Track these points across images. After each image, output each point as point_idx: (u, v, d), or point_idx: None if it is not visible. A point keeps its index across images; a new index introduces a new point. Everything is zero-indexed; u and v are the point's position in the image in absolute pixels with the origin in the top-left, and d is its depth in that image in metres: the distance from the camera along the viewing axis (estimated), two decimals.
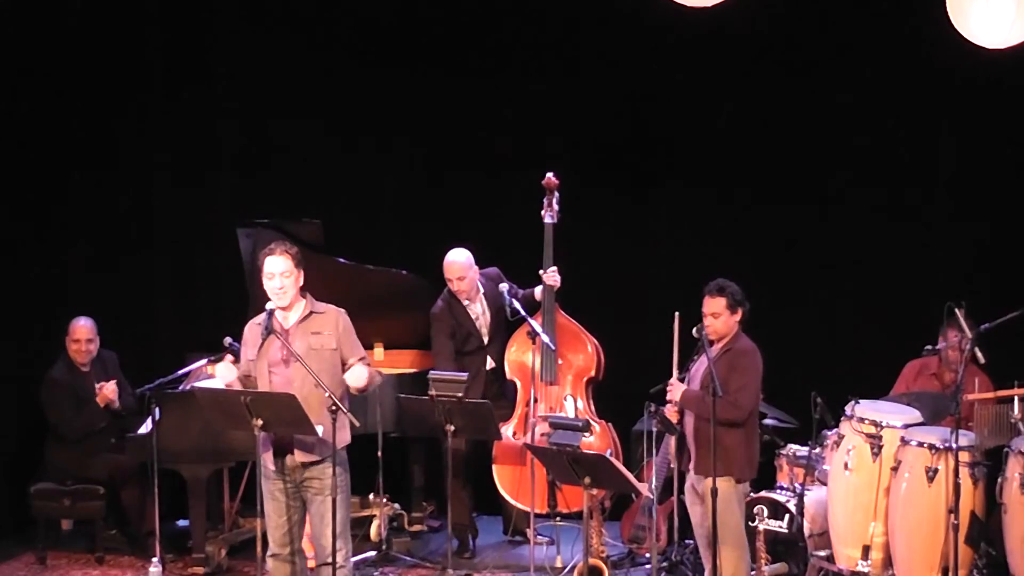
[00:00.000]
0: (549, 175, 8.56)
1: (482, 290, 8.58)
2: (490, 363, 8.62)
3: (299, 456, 6.77)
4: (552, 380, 8.48)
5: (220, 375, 6.97)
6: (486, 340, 8.57)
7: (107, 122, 9.42)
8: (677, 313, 7.14)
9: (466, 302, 8.55)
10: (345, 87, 9.39)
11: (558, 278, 8.50)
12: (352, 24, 9.37)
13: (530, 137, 9.31)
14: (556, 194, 8.55)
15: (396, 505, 8.78)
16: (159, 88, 9.48)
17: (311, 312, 6.86)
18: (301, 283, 6.85)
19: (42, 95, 9.19)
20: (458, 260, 8.49)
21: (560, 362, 8.52)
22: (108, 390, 8.52)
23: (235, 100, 9.49)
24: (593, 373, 8.57)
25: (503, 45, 9.25)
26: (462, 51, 9.28)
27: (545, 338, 8.31)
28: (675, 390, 7.14)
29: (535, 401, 8.36)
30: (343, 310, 6.92)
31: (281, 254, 6.78)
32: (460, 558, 8.45)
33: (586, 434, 7.73)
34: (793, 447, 8.01)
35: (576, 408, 8.48)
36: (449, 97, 9.35)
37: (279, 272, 6.77)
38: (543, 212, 8.52)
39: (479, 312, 8.58)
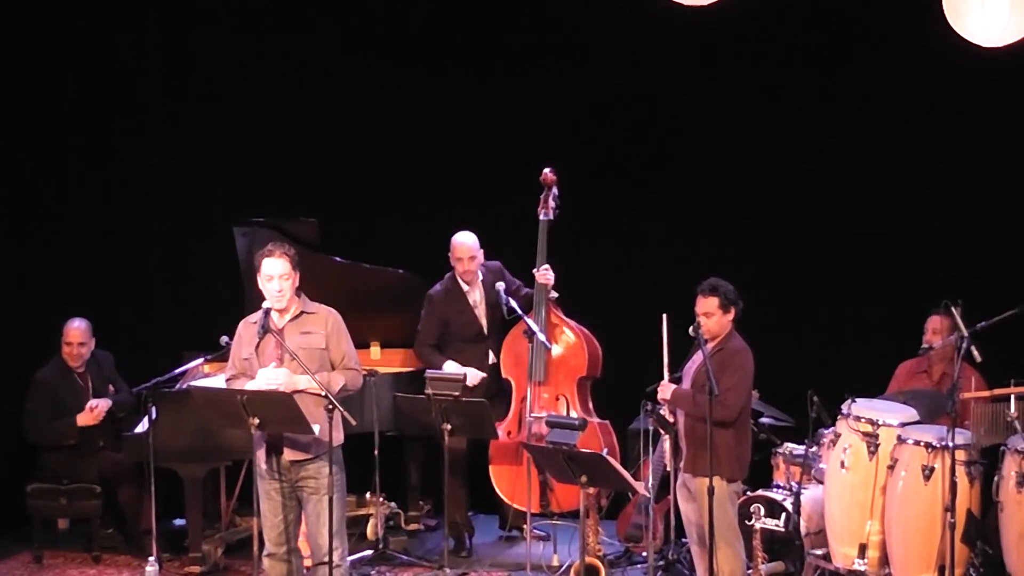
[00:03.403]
0: (546, 171, 8.56)
1: (480, 277, 8.59)
2: (492, 358, 8.63)
3: (289, 455, 6.78)
4: (541, 380, 8.46)
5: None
6: (486, 330, 8.56)
7: (104, 123, 9.44)
8: (665, 315, 7.15)
9: (466, 287, 8.56)
10: (343, 86, 9.42)
11: (551, 276, 8.49)
12: (349, 23, 9.38)
13: (527, 136, 9.33)
14: (554, 190, 8.55)
15: (393, 504, 8.80)
16: (156, 88, 9.50)
17: (302, 312, 6.88)
18: (297, 284, 6.85)
19: (40, 96, 9.21)
20: (467, 241, 8.53)
21: (550, 361, 8.49)
22: (95, 414, 8.48)
23: (232, 99, 9.50)
24: (585, 372, 8.54)
25: (499, 44, 9.25)
26: (459, 50, 9.29)
27: (541, 337, 8.32)
28: (665, 390, 7.17)
29: (524, 400, 8.38)
30: (334, 311, 6.93)
31: (280, 256, 6.78)
32: (456, 556, 8.46)
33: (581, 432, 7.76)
34: (789, 446, 8.02)
35: (566, 408, 8.45)
36: (446, 96, 9.36)
37: (278, 275, 6.78)
38: (539, 208, 8.52)
39: (476, 300, 8.59)
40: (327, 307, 6.94)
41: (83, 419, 8.49)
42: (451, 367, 8.45)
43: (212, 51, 9.48)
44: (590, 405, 8.62)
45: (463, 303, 8.58)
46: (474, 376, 8.48)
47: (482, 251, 8.57)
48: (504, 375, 8.63)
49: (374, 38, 9.39)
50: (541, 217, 8.53)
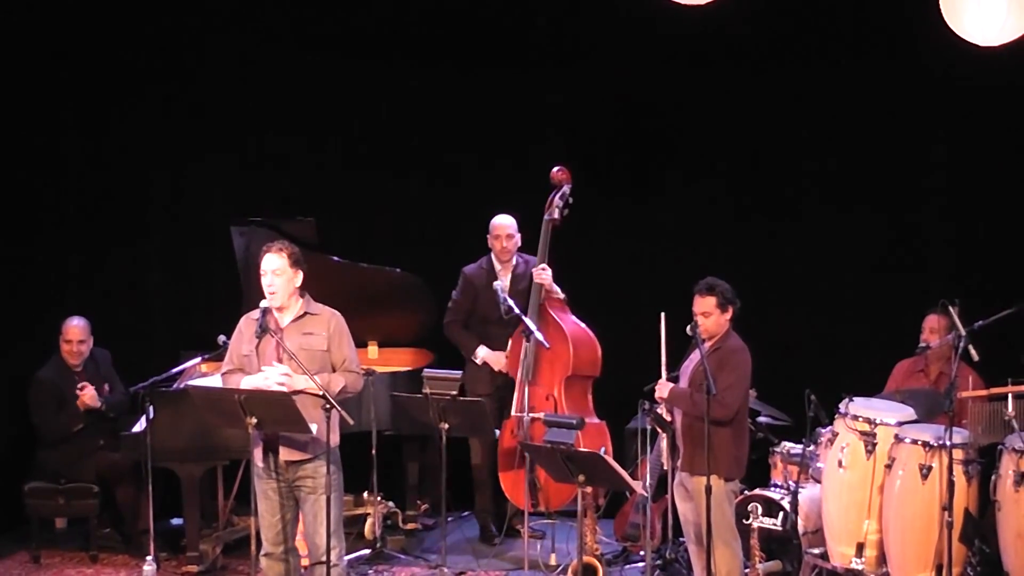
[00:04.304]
0: (554, 170, 8.56)
1: (514, 263, 8.63)
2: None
3: (284, 454, 6.79)
4: (531, 380, 8.44)
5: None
6: (506, 316, 8.52)
7: (101, 121, 9.44)
8: (663, 314, 7.14)
9: (499, 267, 8.61)
10: (341, 84, 9.42)
11: (546, 276, 8.49)
12: (349, 22, 9.39)
13: (527, 136, 9.34)
14: (563, 189, 8.53)
15: (390, 503, 8.81)
16: (153, 87, 9.50)
17: (306, 313, 6.88)
18: (298, 283, 6.85)
19: (37, 94, 9.21)
20: (506, 220, 8.62)
21: (540, 361, 8.47)
22: (87, 396, 8.52)
23: (229, 98, 9.50)
24: (571, 372, 8.48)
25: (500, 44, 9.26)
26: (460, 50, 9.30)
27: (539, 336, 8.32)
28: (662, 388, 7.17)
29: (519, 398, 8.42)
30: (338, 313, 6.93)
31: (275, 252, 6.80)
32: (487, 544, 8.62)
33: (578, 431, 7.76)
34: (787, 445, 8.04)
35: (555, 408, 8.43)
36: (447, 95, 9.38)
37: (271, 270, 6.80)
38: (545, 208, 8.52)
39: (505, 284, 8.60)
40: (331, 309, 6.94)
41: (81, 403, 8.51)
42: (483, 352, 8.57)
43: (211, 48, 9.47)
44: (588, 404, 8.58)
45: (494, 281, 8.60)
46: (491, 358, 8.55)
47: (520, 235, 8.60)
48: (512, 375, 8.61)
49: (374, 37, 9.39)
50: (545, 218, 8.53)
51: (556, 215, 8.51)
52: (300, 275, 6.84)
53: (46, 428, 8.57)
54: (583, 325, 8.60)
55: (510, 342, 8.59)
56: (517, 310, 8.40)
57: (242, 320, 6.97)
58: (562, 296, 8.61)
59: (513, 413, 8.49)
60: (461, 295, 8.70)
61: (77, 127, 9.41)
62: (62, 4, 9.20)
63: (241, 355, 6.90)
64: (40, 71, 9.20)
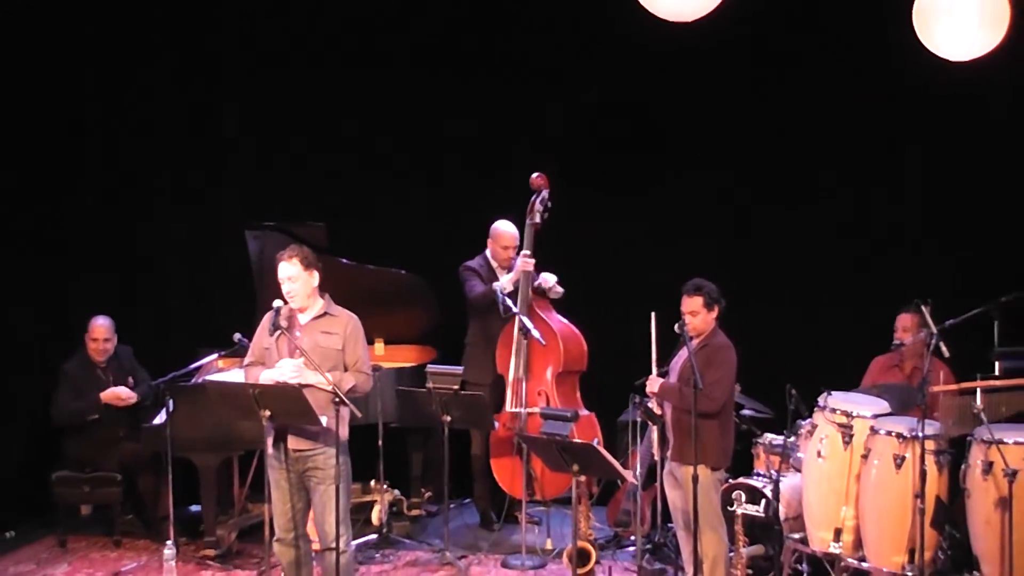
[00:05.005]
0: (534, 175, 8.66)
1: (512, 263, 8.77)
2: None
3: (292, 443, 6.91)
4: (523, 376, 8.54)
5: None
6: (503, 312, 8.62)
7: (119, 124, 9.54)
8: (653, 313, 7.28)
9: (495, 265, 8.75)
10: (344, 88, 9.51)
11: (532, 263, 8.57)
12: (348, 27, 9.48)
13: (524, 138, 9.42)
14: (543, 194, 8.63)
15: (396, 491, 8.96)
16: (169, 91, 9.58)
17: (326, 313, 7.04)
18: (315, 282, 7.00)
19: (56, 97, 9.28)
20: (511, 230, 8.68)
21: (532, 358, 8.58)
22: (115, 393, 8.67)
23: (242, 103, 9.60)
24: (561, 368, 8.58)
25: (497, 52, 9.38)
26: (459, 56, 9.40)
27: (536, 334, 8.45)
28: (653, 383, 7.32)
29: (514, 394, 8.56)
30: (356, 317, 7.07)
31: (288, 259, 6.96)
32: (487, 530, 8.73)
33: (573, 423, 7.87)
34: (769, 436, 8.14)
35: (546, 402, 8.52)
36: (445, 98, 9.48)
37: (287, 278, 6.97)
38: (527, 213, 8.67)
39: (504, 284, 8.72)
40: (349, 312, 7.07)
41: (107, 396, 8.65)
42: (504, 278, 8.59)
43: (223, 54, 9.55)
44: (577, 397, 8.70)
45: (494, 281, 8.71)
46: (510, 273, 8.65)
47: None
48: (499, 371, 8.77)
49: (377, 45, 9.48)
50: (527, 221, 8.68)
51: (537, 219, 8.64)
52: (316, 274, 6.99)
53: (56, 414, 8.69)
54: (567, 322, 8.72)
55: (501, 340, 8.70)
56: (516, 309, 8.52)
57: (265, 316, 7.11)
58: (560, 292, 8.71)
59: (508, 408, 8.60)
60: (475, 278, 8.73)
61: (97, 128, 9.51)
62: (78, 6, 9.26)
63: (262, 348, 7.07)
64: (61, 70, 9.23)
